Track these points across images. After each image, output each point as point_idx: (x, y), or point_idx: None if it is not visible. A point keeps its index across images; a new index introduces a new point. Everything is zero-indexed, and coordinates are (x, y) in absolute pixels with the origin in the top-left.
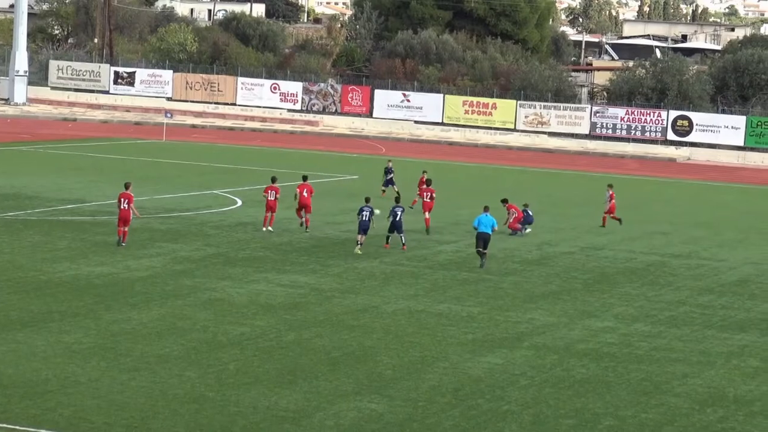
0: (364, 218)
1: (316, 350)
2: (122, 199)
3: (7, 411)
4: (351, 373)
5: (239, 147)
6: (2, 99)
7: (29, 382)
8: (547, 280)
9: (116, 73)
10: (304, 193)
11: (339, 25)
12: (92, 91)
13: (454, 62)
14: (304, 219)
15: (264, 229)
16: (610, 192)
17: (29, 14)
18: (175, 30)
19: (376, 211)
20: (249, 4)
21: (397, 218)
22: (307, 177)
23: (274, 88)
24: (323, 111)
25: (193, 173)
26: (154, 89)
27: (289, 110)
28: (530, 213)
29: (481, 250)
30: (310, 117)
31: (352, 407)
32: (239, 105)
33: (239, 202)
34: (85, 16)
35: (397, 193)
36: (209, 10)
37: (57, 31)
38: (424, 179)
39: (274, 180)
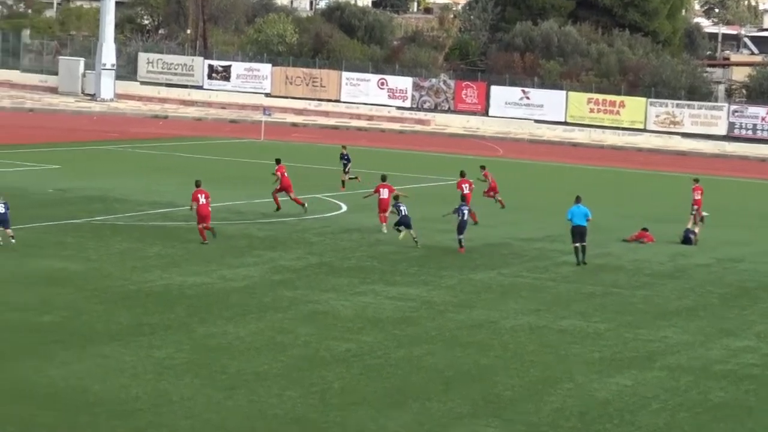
0: (463, 217)
1: (427, 369)
2: (200, 195)
3: (95, 430)
4: (466, 394)
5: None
6: (88, 94)
7: (118, 399)
8: (681, 294)
9: (210, 67)
10: (384, 194)
11: (452, 16)
12: (185, 87)
13: (578, 56)
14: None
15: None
16: (695, 186)
17: (117, 3)
18: (274, 20)
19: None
20: None
21: (464, 217)
22: (386, 177)
23: (382, 84)
24: (435, 109)
25: (294, 176)
26: (252, 84)
27: (398, 108)
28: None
29: (578, 245)
30: (421, 115)
31: (467, 431)
32: (343, 102)
33: (344, 207)
34: (177, 6)
35: (348, 181)
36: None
37: (147, 22)
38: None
39: (385, 178)
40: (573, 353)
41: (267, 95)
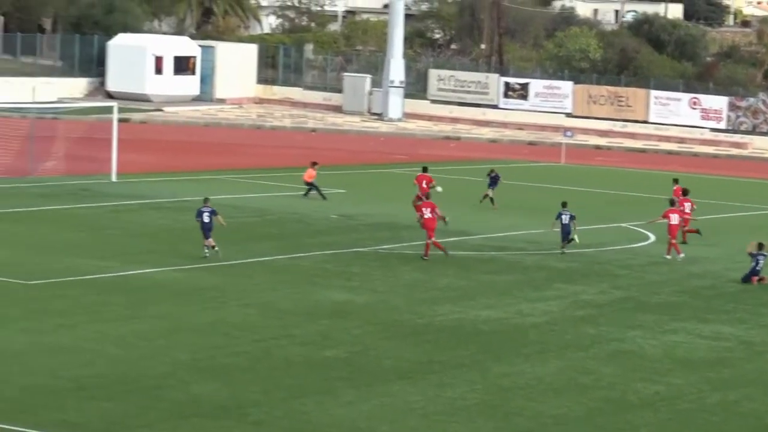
0: (564, 221)
1: (744, 415)
2: (425, 208)
3: None
4: None
5: (651, 172)
6: (375, 114)
7: None
8: None
9: (507, 85)
10: (423, 184)
11: None
12: (478, 106)
13: None
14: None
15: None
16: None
17: (406, 16)
18: (577, 34)
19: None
20: (663, 5)
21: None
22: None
23: (694, 104)
24: (752, 131)
25: (597, 203)
26: (551, 103)
27: (712, 130)
28: None
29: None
30: (737, 138)
31: None
32: (651, 123)
33: (652, 238)
34: (471, 19)
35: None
36: (616, 11)
37: (438, 36)
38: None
39: (673, 203)
40: None
41: (568, 115)
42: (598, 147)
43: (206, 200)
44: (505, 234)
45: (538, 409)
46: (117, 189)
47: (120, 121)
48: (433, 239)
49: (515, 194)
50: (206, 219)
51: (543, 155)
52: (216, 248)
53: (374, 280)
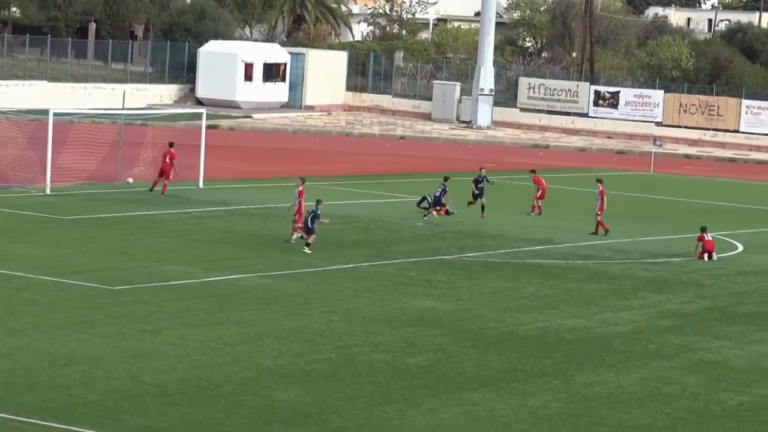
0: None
1: None
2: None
3: None
4: None
5: (741, 182)
6: (464, 121)
7: None
8: None
9: (597, 93)
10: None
11: None
12: (568, 114)
13: None
14: None
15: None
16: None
17: (497, 24)
18: (669, 43)
19: None
20: (758, 13)
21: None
22: None
23: None
24: None
25: (686, 212)
26: (641, 112)
27: None
28: None
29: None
30: None
31: None
32: (742, 132)
33: (740, 247)
34: (562, 27)
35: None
36: (709, 20)
37: (529, 44)
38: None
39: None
40: None
41: (658, 124)
42: (687, 156)
43: (318, 202)
44: (592, 243)
45: (621, 419)
46: (203, 195)
47: (209, 127)
48: None
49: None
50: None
51: (632, 164)
52: (305, 244)
53: (458, 287)
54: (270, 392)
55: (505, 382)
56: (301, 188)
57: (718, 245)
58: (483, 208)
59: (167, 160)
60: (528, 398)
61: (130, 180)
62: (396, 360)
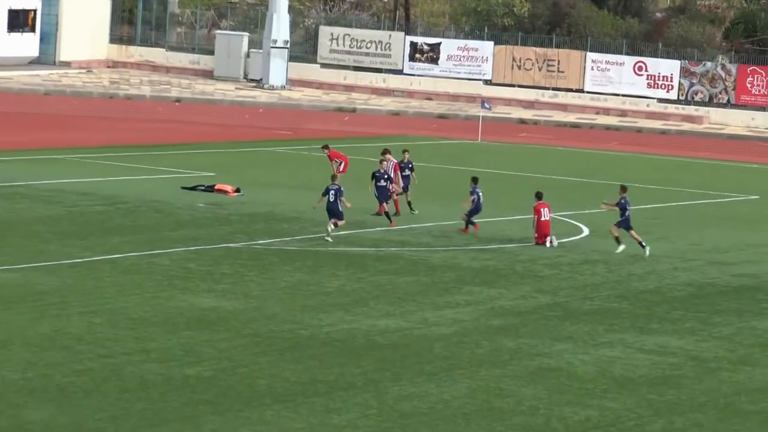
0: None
1: None
2: (543, 209)
3: None
4: None
5: (586, 151)
6: (253, 80)
7: None
8: None
9: (413, 46)
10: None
11: None
12: (379, 71)
13: None
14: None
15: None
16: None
17: None
18: None
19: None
20: None
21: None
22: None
23: (639, 69)
24: (709, 102)
25: (521, 188)
26: (467, 68)
27: (661, 100)
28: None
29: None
30: (691, 110)
31: None
32: (587, 92)
33: (585, 231)
34: None
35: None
36: None
37: None
38: None
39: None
40: None
41: (487, 82)
42: (522, 121)
43: (334, 177)
44: (408, 226)
45: None
46: None
47: None
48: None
49: (422, 178)
50: (332, 198)
51: (456, 131)
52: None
53: (247, 282)
54: (18, 411)
55: (303, 396)
56: (394, 161)
57: (559, 228)
58: (410, 204)
59: None
60: (332, 416)
61: None
62: (172, 371)
